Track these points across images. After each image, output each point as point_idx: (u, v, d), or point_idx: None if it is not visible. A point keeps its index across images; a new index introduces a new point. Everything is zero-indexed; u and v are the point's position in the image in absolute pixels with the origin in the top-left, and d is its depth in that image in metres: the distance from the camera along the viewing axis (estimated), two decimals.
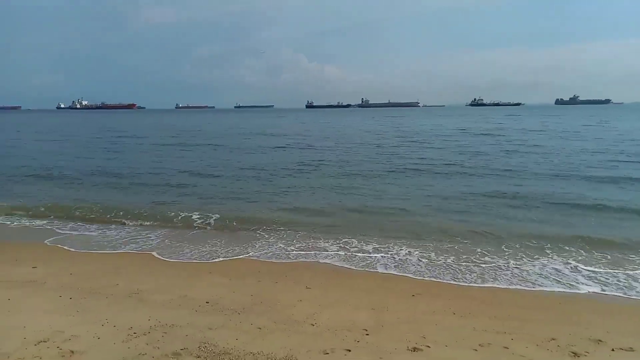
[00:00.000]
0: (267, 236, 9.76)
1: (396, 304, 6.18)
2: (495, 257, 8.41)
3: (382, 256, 8.55)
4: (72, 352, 4.41)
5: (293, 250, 8.88)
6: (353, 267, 8.00)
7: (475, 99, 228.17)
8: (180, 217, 11.22)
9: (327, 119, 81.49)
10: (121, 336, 4.81)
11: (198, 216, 11.29)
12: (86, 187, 15.80)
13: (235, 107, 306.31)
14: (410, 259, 8.36)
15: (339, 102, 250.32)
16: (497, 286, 7.09)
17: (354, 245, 9.18)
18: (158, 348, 4.56)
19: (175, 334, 4.93)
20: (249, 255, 8.52)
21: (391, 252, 8.77)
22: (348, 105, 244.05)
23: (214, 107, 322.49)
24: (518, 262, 8.12)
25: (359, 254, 8.67)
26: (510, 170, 18.20)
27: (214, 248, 8.93)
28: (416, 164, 20.54)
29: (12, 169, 20.13)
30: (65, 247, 8.95)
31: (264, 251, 8.80)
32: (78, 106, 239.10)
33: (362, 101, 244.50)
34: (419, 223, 10.71)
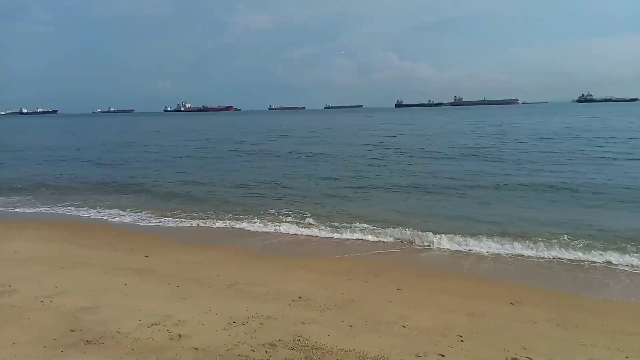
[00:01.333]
0: (356, 235, 9.81)
1: (493, 310, 5.90)
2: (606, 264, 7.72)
3: (475, 257, 8.24)
4: (180, 335, 4.78)
5: (383, 250, 8.86)
6: (445, 270, 7.78)
7: (583, 95, 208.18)
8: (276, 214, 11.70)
9: (417, 119, 79.81)
10: (222, 324, 5.12)
11: (291, 213, 11.68)
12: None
13: (324, 107, 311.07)
14: (506, 261, 7.98)
15: (430, 101, 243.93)
16: (609, 297, 6.48)
17: (444, 246, 8.93)
18: (255, 338, 4.79)
19: (270, 325, 5.15)
20: (341, 255, 8.65)
21: (486, 254, 8.42)
22: (440, 104, 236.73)
23: (304, 108, 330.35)
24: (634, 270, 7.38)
25: (453, 255, 8.42)
26: None
27: (305, 245, 9.19)
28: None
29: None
30: (172, 239, 9.75)
31: (354, 250, 8.88)
32: (182, 109, 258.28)
33: (455, 99, 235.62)
34: (520, 226, 10.11)
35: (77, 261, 7.59)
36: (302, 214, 11.59)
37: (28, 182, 17.83)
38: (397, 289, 6.71)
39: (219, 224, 10.99)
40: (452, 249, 8.79)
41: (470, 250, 8.71)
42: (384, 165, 21.04)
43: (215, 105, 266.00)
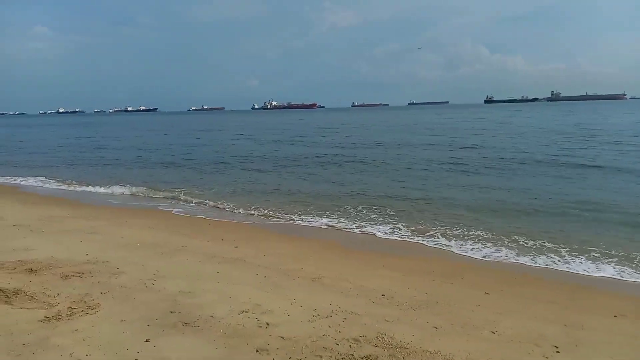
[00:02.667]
0: (445, 235, 9.57)
1: (593, 321, 5.46)
2: None
3: (576, 265, 7.67)
4: (268, 324, 4.99)
5: (473, 251, 8.57)
6: (538, 275, 7.34)
7: None
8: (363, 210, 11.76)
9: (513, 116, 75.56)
10: (307, 316, 5.27)
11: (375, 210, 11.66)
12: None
13: (408, 104, 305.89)
14: (611, 271, 7.33)
15: (523, 96, 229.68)
16: None
17: (545, 250, 8.44)
18: (339, 332, 4.86)
19: (354, 320, 5.20)
20: (424, 256, 8.50)
21: (588, 263, 7.80)
22: (534, 99, 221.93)
23: (387, 104, 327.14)
24: None
25: (548, 262, 7.92)
26: None
27: (388, 244, 9.13)
28: None
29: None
30: (260, 232, 10.18)
31: (437, 252, 8.69)
32: (268, 106, 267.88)
33: (552, 94, 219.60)
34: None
35: (176, 248, 8.19)
36: (388, 214, 11.53)
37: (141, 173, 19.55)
38: (485, 293, 6.45)
39: (305, 218, 11.26)
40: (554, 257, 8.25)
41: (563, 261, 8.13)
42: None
43: (299, 102, 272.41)
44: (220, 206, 12.95)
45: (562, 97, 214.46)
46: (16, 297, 5.44)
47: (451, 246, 8.91)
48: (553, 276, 7.40)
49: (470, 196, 13.47)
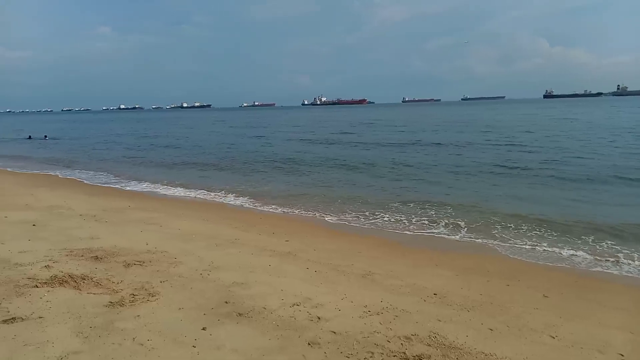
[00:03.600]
0: (501, 235, 9.26)
1: None
2: None
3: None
4: (319, 318, 5.03)
5: (531, 252, 8.26)
6: (603, 280, 6.96)
7: None
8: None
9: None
10: (358, 312, 5.26)
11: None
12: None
13: (462, 99, 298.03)
14: None
15: (586, 91, 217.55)
16: None
17: (611, 254, 8.01)
18: (390, 329, 4.83)
19: (405, 318, 5.14)
20: (479, 255, 8.28)
21: None
22: (599, 94, 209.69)
23: (439, 99, 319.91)
24: None
25: (615, 267, 7.49)
26: None
27: (441, 242, 8.96)
28: None
29: None
30: (311, 227, 10.28)
31: (492, 250, 8.42)
32: (318, 102, 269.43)
33: (618, 88, 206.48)
34: None
35: (230, 241, 8.42)
36: (443, 213, 11.30)
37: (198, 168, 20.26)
38: (544, 295, 6.19)
39: (357, 215, 11.24)
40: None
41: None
42: None
43: (349, 98, 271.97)
44: (271, 201, 13.17)
45: (630, 91, 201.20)
46: (84, 282, 5.79)
47: (507, 247, 8.61)
48: (619, 281, 7.00)
49: (530, 198, 12.95)
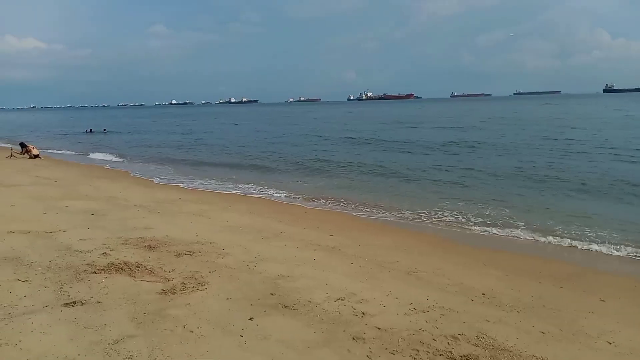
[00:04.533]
0: (557, 235, 8.88)
1: None
2: None
3: None
4: (364, 313, 5.02)
5: (588, 254, 7.89)
6: None
7: None
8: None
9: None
10: (403, 309, 5.21)
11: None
12: None
13: (514, 94, 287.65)
14: None
15: None
16: None
17: None
18: (437, 327, 4.75)
19: (452, 318, 5.04)
20: (530, 254, 8.00)
21: None
22: None
23: (490, 94, 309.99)
24: None
25: None
26: None
27: (491, 240, 8.71)
28: None
29: None
30: (355, 222, 10.26)
31: (542, 250, 8.12)
32: (364, 97, 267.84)
33: None
34: None
35: (275, 234, 8.55)
36: (498, 212, 10.94)
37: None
38: (600, 299, 5.89)
39: (406, 211, 11.11)
40: None
41: None
42: None
43: (395, 93, 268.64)
44: (316, 195, 13.24)
45: None
46: (138, 270, 6.06)
47: (563, 247, 8.25)
48: None
49: (593, 199, 12.35)
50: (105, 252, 6.72)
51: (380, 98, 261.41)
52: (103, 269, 6.01)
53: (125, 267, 6.13)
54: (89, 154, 25.74)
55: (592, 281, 6.73)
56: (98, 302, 5.03)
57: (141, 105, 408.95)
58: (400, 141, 28.61)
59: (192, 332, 4.43)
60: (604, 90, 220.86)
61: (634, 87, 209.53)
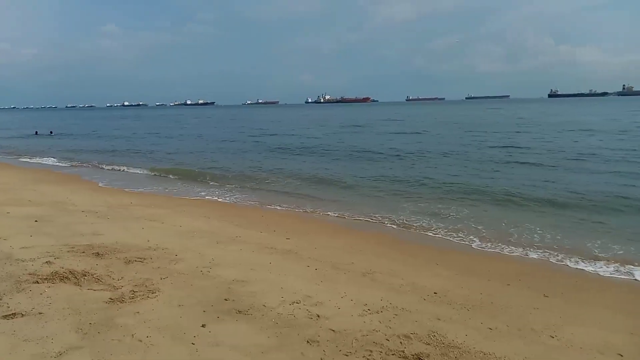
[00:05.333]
0: (502, 235, 9.21)
1: None
2: None
3: None
4: (318, 316, 5.03)
5: (532, 253, 8.22)
6: (606, 282, 6.94)
7: None
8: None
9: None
10: (357, 310, 5.26)
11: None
12: None
13: (466, 98, 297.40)
14: None
15: (591, 90, 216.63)
16: None
17: (613, 253, 7.96)
18: (390, 328, 4.82)
19: (405, 317, 5.13)
20: (479, 254, 8.26)
21: None
22: (604, 94, 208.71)
23: (444, 98, 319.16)
24: None
25: (616, 270, 7.45)
26: None
27: (441, 242, 8.94)
28: None
29: None
30: (311, 224, 10.27)
31: (494, 251, 8.42)
32: (322, 100, 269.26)
33: (624, 88, 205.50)
34: None
35: (231, 238, 8.43)
36: (447, 213, 11.28)
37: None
38: (545, 295, 6.17)
39: (360, 212, 11.23)
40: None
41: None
42: None
43: (353, 96, 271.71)
44: (272, 197, 13.18)
45: (635, 91, 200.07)
46: (84, 278, 5.80)
47: (509, 247, 8.56)
48: (621, 283, 6.95)
49: (540, 197, 12.90)
50: (49, 261, 6.40)
51: (337, 101, 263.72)
52: (46, 278, 5.71)
53: (70, 275, 5.85)
54: (36, 157, 24.49)
55: (538, 278, 7.01)
56: (40, 313, 4.78)
57: (92, 106, 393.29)
58: (358, 146, 28.96)
59: (141, 341, 4.29)
60: (549, 95, 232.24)
61: (576, 92, 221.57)
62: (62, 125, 61.28)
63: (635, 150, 21.40)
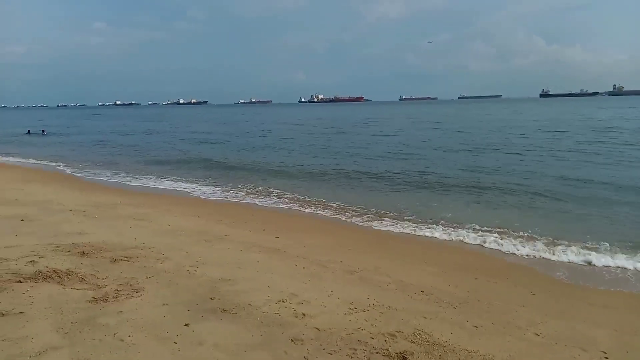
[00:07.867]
0: (490, 232, 9.24)
1: None
2: None
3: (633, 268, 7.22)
4: (304, 314, 5.00)
5: (521, 249, 8.25)
6: (590, 278, 6.98)
7: None
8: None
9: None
10: (343, 308, 5.23)
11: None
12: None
13: (458, 97, 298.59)
14: None
15: (582, 90, 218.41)
16: None
17: (599, 251, 7.99)
18: (375, 326, 4.80)
19: (391, 315, 5.11)
20: (467, 252, 8.27)
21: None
22: (595, 94, 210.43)
23: (436, 98, 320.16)
24: None
25: (602, 265, 7.49)
26: None
27: (429, 240, 8.95)
28: None
29: None
30: (301, 224, 10.25)
31: (482, 247, 8.45)
32: (315, 100, 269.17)
33: (614, 88, 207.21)
34: None
35: (219, 237, 8.38)
36: (431, 210, 11.29)
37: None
38: (531, 293, 6.19)
39: (349, 211, 11.21)
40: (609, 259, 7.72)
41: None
42: None
43: (346, 96, 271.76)
44: (262, 196, 13.13)
45: (626, 91, 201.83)
46: (68, 277, 5.73)
47: (497, 244, 8.58)
48: (607, 280, 7.00)
49: (522, 193, 12.96)
50: (33, 260, 6.32)
51: (331, 100, 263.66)
52: (29, 278, 5.63)
53: (54, 274, 5.77)
54: (30, 158, 24.20)
55: (525, 276, 7.05)
56: (21, 312, 4.71)
57: (83, 105, 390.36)
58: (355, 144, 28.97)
59: (123, 340, 4.23)
60: (541, 95, 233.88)
61: (567, 92, 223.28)
62: (63, 125, 60.74)
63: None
